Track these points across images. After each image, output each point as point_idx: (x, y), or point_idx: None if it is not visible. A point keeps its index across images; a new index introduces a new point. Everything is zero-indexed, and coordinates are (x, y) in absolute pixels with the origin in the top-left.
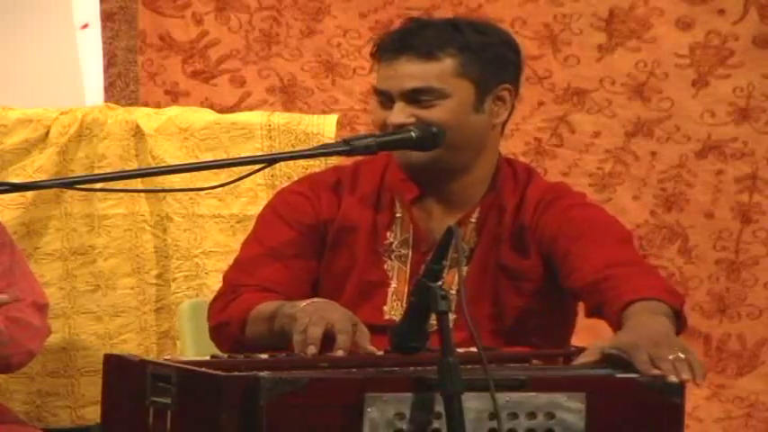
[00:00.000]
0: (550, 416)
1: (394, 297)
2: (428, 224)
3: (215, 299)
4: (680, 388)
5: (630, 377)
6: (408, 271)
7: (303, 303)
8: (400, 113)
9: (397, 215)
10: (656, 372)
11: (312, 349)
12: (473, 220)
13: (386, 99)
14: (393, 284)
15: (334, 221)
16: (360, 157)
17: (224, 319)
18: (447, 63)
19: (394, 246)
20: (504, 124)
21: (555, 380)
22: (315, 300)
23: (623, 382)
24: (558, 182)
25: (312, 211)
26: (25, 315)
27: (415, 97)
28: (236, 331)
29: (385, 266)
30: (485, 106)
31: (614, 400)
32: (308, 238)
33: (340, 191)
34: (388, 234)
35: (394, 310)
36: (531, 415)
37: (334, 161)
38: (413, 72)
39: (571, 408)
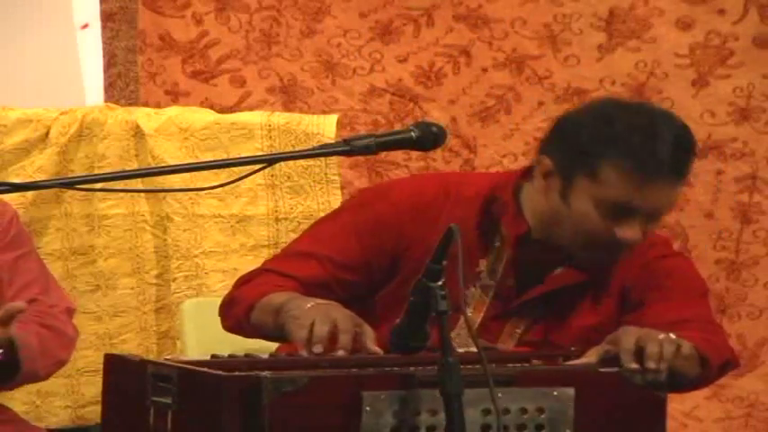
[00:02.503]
0: (540, 410)
1: (463, 325)
2: (525, 265)
3: (243, 274)
4: (662, 381)
5: (615, 371)
6: (487, 302)
7: (309, 304)
8: (639, 231)
9: (496, 244)
10: (635, 366)
11: (319, 348)
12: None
13: (623, 213)
14: (468, 312)
15: (426, 238)
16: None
17: (236, 296)
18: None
19: (482, 275)
20: None
21: (544, 375)
22: (321, 301)
23: (609, 377)
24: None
25: (398, 227)
26: (60, 323)
27: (658, 216)
28: (241, 313)
29: (466, 292)
30: None
31: (601, 393)
32: (371, 260)
33: (440, 206)
34: (481, 262)
35: (459, 337)
36: (522, 410)
37: (334, 161)
38: (670, 195)
39: (560, 401)
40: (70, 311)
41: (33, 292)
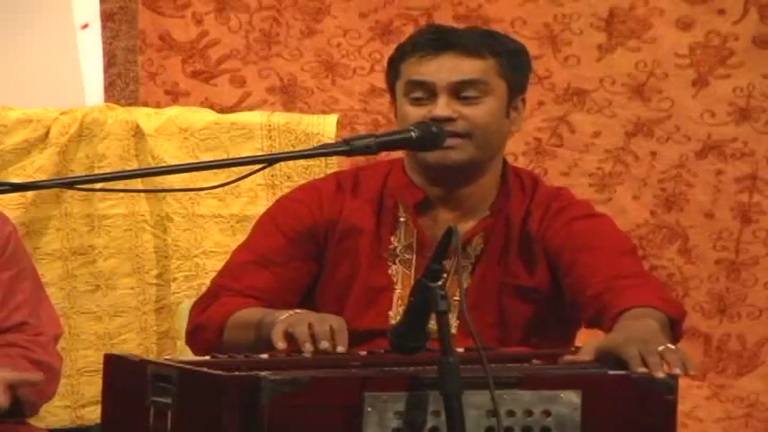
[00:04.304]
0: (546, 413)
1: (399, 302)
2: (433, 230)
3: (196, 301)
4: (673, 385)
5: (624, 374)
6: (413, 276)
7: (285, 315)
8: (446, 107)
9: (401, 220)
10: (644, 369)
11: (325, 344)
12: (482, 229)
13: (424, 94)
14: (398, 289)
15: (336, 226)
16: (359, 163)
17: (202, 322)
18: (490, 61)
19: (398, 250)
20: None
21: (551, 377)
22: (297, 310)
23: (617, 379)
24: (561, 187)
25: (310, 217)
26: (49, 357)
27: (459, 91)
28: (212, 336)
29: (389, 271)
30: (510, 112)
31: (609, 396)
32: (302, 246)
33: (341, 195)
34: (392, 239)
35: (399, 315)
36: (528, 412)
37: (334, 161)
38: (460, 66)
39: (567, 404)
40: (57, 338)
41: (24, 314)
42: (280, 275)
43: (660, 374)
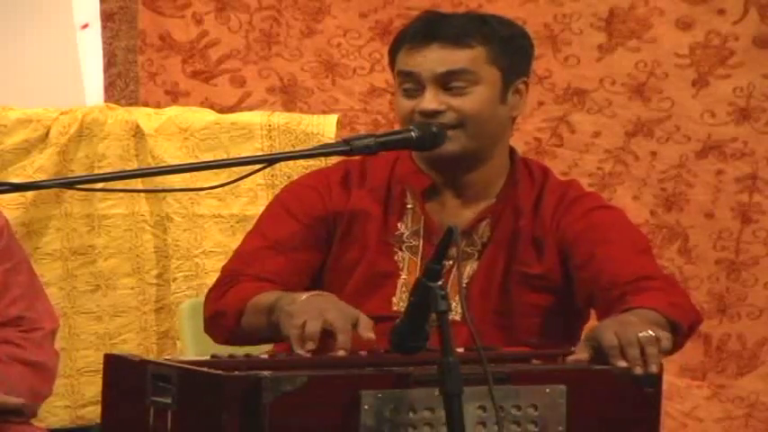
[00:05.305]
0: (533, 407)
1: (403, 288)
2: (441, 216)
3: (211, 288)
4: (654, 378)
5: (606, 369)
6: (419, 262)
7: (303, 297)
8: (433, 99)
9: (408, 206)
10: (624, 364)
11: (310, 345)
12: (489, 215)
13: (414, 85)
14: (403, 276)
15: (344, 213)
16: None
17: (220, 309)
18: (478, 50)
19: (405, 237)
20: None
21: (537, 373)
22: (315, 293)
23: (601, 374)
24: (572, 180)
25: (320, 202)
26: (43, 355)
27: (447, 83)
28: (231, 322)
29: (395, 257)
30: (507, 98)
31: (593, 390)
32: (313, 231)
33: (349, 183)
34: (399, 225)
35: (403, 301)
36: (516, 407)
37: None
38: (446, 57)
39: (553, 398)
40: (54, 332)
41: (20, 308)
42: (293, 259)
43: (639, 371)
